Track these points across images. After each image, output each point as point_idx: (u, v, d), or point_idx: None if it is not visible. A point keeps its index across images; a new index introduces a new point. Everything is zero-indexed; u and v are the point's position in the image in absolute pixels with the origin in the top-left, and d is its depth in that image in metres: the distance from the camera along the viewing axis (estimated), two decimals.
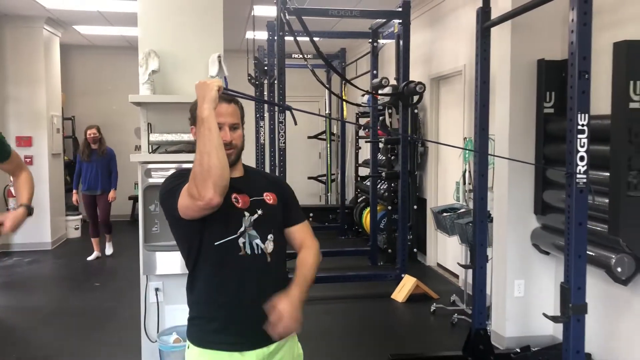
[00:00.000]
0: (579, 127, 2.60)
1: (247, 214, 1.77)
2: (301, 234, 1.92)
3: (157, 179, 3.23)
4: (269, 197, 1.84)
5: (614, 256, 3.16)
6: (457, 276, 5.81)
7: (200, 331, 1.78)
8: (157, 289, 3.40)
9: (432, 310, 4.86)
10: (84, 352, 4.06)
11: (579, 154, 2.61)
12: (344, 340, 4.33)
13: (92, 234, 6.93)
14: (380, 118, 6.86)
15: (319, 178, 10.10)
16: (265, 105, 7.54)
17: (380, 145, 6.87)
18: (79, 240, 8.32)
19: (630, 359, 3.27)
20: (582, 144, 2.61)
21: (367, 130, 7.76)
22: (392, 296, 5.27)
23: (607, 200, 3.18)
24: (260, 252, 1.76)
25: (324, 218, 8.79)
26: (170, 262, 3.31)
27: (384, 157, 6.97)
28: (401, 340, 4.32)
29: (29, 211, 2.89)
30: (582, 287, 2.66)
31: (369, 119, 7.44)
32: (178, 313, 3.34)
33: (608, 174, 3.18)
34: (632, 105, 3.03)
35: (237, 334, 1.74)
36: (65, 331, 4.50)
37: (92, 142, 6.68)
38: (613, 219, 3.13)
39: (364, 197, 8.18)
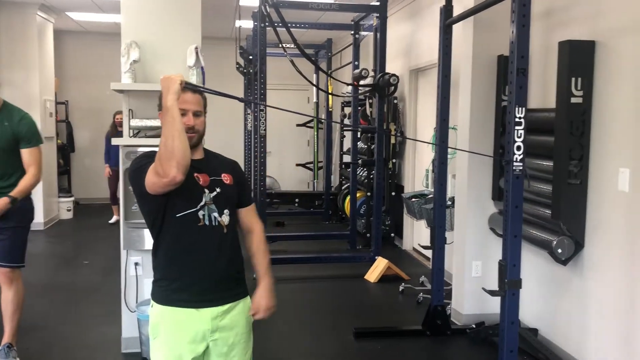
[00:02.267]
0: (517, 120, 2.85)
1: (207, 191, 2.03)
2: (249, 216, 2.22)
3: None
4: (226, 178, 2.11)
5: (555, 238, 3.43)
6: (429, 259, 6.09)
7: (162, 291, 2.05)
8: (136, 263, 3.67)
9: (400, 290, 5.15)
10: (70, 322, 4.35)
11: (516, 144, 2.87)
12: (316, 316, 4.62)
13: (112, 202, 8.19)
14: (362, 107, 7.12)
15: (307, 165, 10.37)
16: (252, 94, 7.76)
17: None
18: (71, 222, 8.58)
19: (571, 333, 3.56)
20: (519, 135, 2.87)
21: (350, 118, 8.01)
22: (365, 277, 5.56)
23: (551, 187, 3.46)
24: (217, 224, 2.03)
25: (310, 204, 9.08)
26: (148, 238, 3.58)
27: (365, 146, 7.24)
28: (369, 317, 4.61)
29: (13, 202, 3.23)
30: (517, 264, 2.93)
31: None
32: None
33: (552, 163, 3.46)
34: (573, 100, 3.29)
35: (196, 293, 2.02)
36: (53, 304, 4.79)
37: (119, 125, 7.36)
38: (555, 204, 3.41)
39: (347, 184, 8.45)
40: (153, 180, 1.90)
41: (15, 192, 3.29)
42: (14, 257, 3.36)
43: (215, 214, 2.03)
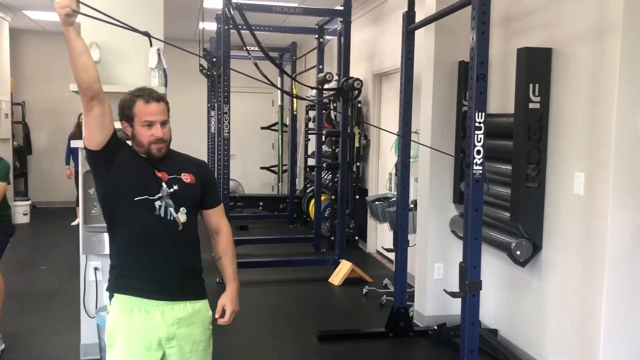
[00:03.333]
0: (477, 124, 2.91)
1: (164, 185, 2.04)
2: (217, 217, 2.23)
3: None
4: (186, 177, 2.10)
5: (514, 241, 3.52)
6: (392, 262, 6.15)
7: (119, 278, 2.04)
8: (96, 268, 3.60)
9: (364, 292, 5.18)
10: (27, 330, 4.22)
11: (476, 148, 2.92)
12: (280, 319, 4.62)
13: (77, 203, 7.73)
14: (327, 111, 7.15)
15: (271, 168, 10.34)
16: (216, 96, 7.70)
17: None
18: (27, 226, 8.34)
19: (530, 334, 3.65)
20: (478, 139, 2.92)
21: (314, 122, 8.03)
22: (329, 280, 5.58)
23: (510, 191, 3.54)
24: (172, 218, 2.03)
25: (274, 207, 9.07)
26: (108, 243, 3.51)
27: (329, 149, 7.27)
28: (332, 320, 4.63)
29: None
30: (477, 266, 2.99)
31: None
32: None
33: (511, 167, 3.54)
34: (531, 105, 3.38)
35: (149, 281, 2.01)
36: (10, 312, 4.63)
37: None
38: (513, 207, 3.50)
39: (312, 187, 8.47)
40: (85, 124, 1.96)
41: None
42: None
43: (172, 209, 2.03)
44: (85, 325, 3.65)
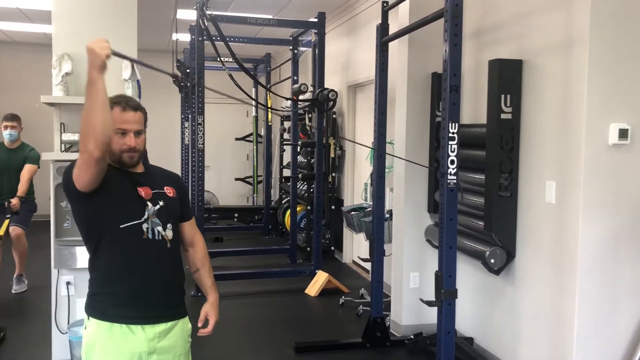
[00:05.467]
0: (450, 135, 2.95)
1: (150, 204, 1.99)
2: (191, 230, 2.21)
3: None
4: (169, 191, 2.08)
5: (488, 249, 3.56)
6: (368, 272, 6.17)
7: (101, 305, 1.98)
8: (68, 283, 3.53)
9: (340, 303, 5.18)
10: None
11: (450, 158, 2.96)
12: (256, 331, 4.58)
13: None
14: (302, 122, 7.17)
15: (246, 179, 10.30)
16: (190, 107, 7.65)
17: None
18: None
19: (505, 341, 3.69)
20: (452, 149, 2.96)
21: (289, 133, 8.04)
22: (306, 291, 5.56)
23: (483, 200, 3.59)
24: (160, 238, 2.00)
25: (249, 218, 9.02)
26: (81, 257, 3.45)
27: (304, 160, 7.28)
28: (309, 331, 4.61)
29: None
30: (453, 274, 3.01)
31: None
32: None
33: (484, 176, 3.59)
34: (503, 116, 3.44)
35: (137, 308, 1.97)
36: None
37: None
38: (487, 216, 3.54)
39: (287, 198, 8.45)
40: (77, 165, 1.83)
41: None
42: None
43: (159, 228, 2.00)
44: (56, 341, 3.57)
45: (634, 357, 2.97)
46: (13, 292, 5.35)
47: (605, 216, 3.00)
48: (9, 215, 5.00)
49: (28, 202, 5.32)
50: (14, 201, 5.05)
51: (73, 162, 1.93)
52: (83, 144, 1.77)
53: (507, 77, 3.44)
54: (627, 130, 2.95)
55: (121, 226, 1.93)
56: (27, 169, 5.22)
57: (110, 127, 1.80)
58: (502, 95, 3.43)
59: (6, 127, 5.24)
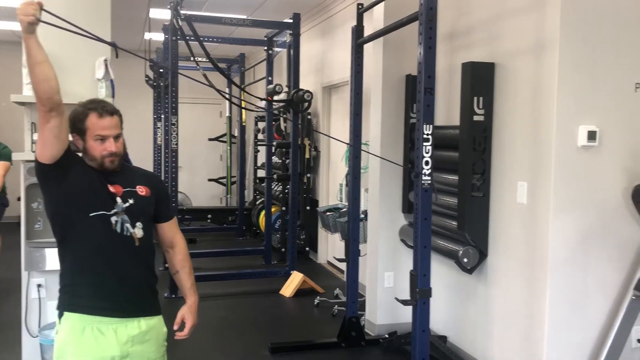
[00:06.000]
0: (425, 136, 2.99)
1: (119, 200, 1.99)
2: (172, 230, 2.21)
3: None
4: (141, 190, 2.07)
5: (461, 248, 3.61)
6: (343, 272, 6.20)
7: (72, 297, 1.97)
8: (39, 285, 3.46)
9: (315, 303, 5.20)
10: None
11: (424, 159, 3.00)
12: (231, 333, 4.56)
13: None
14: (276, 122, 7.17)
15: (220, 180, 10.24)
16: (163, 108, 7.58)
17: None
18: None
19: (477, 339, 3.75)
20: (427, 151, 3.00)
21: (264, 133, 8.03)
22: (281, 292, 5.56)
23: (456, 200, 3.65)
24: (129, 234, 1.99)
25: (223, 220, 8.96)
26: (53, 259, 3.39)
27: (279, 160, 7.28)
28: (285, 331, 4.61)
29: None
30: (427, 274, 3.05)
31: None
32: None
33: (458, 177, 3.64)
34: (476, 117, 3.50)
35: (105, 299, 1.96)
36: None
37: None
38: (460, 216, 3.60)
39: (261, 198, 8.43)
40: (40, 128, 1.85)
41: None
42: None
43: (128, 225, 1.99)
44: (26, 344, 3.49)
45: (601, 353, 3.05)
46: None
47: (574, 216, 3.07)
48: None
49: (1, 197, 5.48)
50: None
51: None
52: (39, 98, 1.82)
53: (479, 79, 3.50)
54: (595, 132, 3.03)
55: (91, 214, 1.93)
56: (0, 165, 5.32)
57: (48, 80, 1.82)
58: (475, 98, 3.49)
59: None
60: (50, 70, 1.83)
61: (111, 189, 1.99)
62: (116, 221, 1.96)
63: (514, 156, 3.36)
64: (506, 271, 3.45)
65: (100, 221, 1.94)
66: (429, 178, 3.01)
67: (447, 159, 3.75)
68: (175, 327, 2.12)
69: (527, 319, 3.25)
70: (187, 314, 2.15)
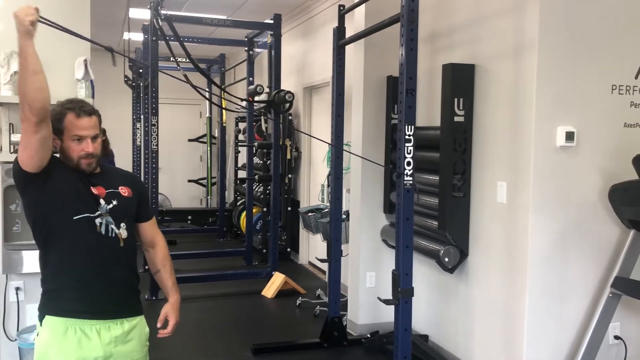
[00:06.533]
0: (406, 137, 3.02)
1: (102, 202, 1.97)
2: (152, 230, 2.21)
3: None
4: (124, 191, 2.06)
5: (442, 248, 3.65)
6: (324, 272, 6.21)
7: (54, 301, 1.95)
8: (17, 288, 3.41)
9: (297, 304, 5.20)
10: None
11: (406, 160, 3.03)
12: (213, 334, 4.54)
13: None
14: (257, 123, 7.15)
15: (200, 181, 10.18)
16: (142, 108, 7.51)
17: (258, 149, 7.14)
18: None
19: (458, 338, 3.79)
20: (408, 151, 3.03)
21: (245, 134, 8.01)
22: (262, 293, 5.56)
23: (437, 200, 3.68)
24: (114, 235, 1.98)
25: (203, 221, 8.91)
26: (32, 261, 3.34)
27: (260, 161, 7.27)
28: (267, 332, 4.61)
29: None
30: (409, 273, 3.07)
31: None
32: None
33: (439, 177, 3.68)
34: (456, 118, 3.54)
35: (91, 302, 1.95)
36: None
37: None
38: (441, 216, 3.63)
39: (242, 199, 8.41)
40: (21, 142, 1.82)
41: None
42: None
43: (113, 226, 1.98)
44: (4, 348, 3.44)
45: (580, 349, 3.11)
46: None
47: (553, 215, 3.13)
48: None
49: None
50: None
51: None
52: (22, 112, 1.76)
53: (460, 81, 3.54)
54: (573, 132, 3.08)
55: (74, 218, 1.91)
56: None
57: (42, 91, 1.78)
58: (456, 99, 3.53)
59: None
60: (45, 80, 1.80)
61: (94, 190, 1.97)
62: (100, 223, 1.95)
63: (494, 156, 3.41)
64: (486, 270, 3.49)
65: (85, 224, 1.93)
66: (411, 178, 3.04)
67: (428, 160, 3.78)
68: (159, 325, 2.13)
69: (507, 317, 3.30)
70: (170, 311, 2.15)
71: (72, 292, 1.94)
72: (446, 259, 3.63)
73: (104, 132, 7.20)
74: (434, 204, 3.72)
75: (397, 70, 3.08)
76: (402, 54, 3.02)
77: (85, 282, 1.95)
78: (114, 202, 1.99)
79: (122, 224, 2.01)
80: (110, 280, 1.98)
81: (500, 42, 3.36)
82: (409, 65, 3.00)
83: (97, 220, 1.95)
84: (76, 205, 1.92)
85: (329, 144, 4.21)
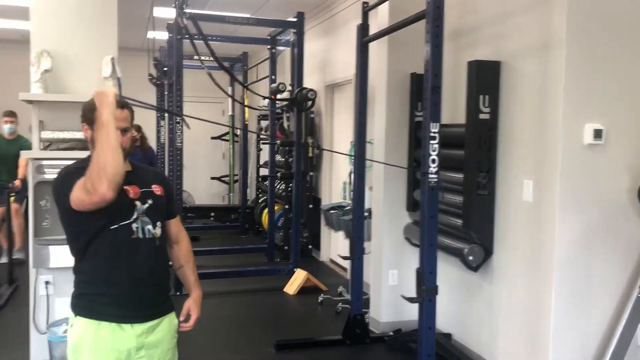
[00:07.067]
0: (431, 134, 3.01)
1: (138, 203, 1.99)
2: (177, 226, 2.23)
3: (49, 175, 3.34)
4: (157, 189, 2.08)
5: (466, 246, 3.63)
6: (346, 270, 6.21)
7: (90, 304, 1.97)
8: (47, 282, 3.48)
9: (319, 301, 5.21)
10: None
11: (431, 157, 3.02)
12: (235, 330, 4.58)
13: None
14: (279, 121, 7.18)
15: (222, 178, 10.25)
16: (166, 106, 7.59)
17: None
18: None
19: (482, 336, 3.77)
20: (433, 149, 3.02)
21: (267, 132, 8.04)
22: (284, 289, 5.58)
23: (461, 198, 3.66)
24: (151, 236, 2.00)
25: (225, 218, 8.98)
26: (60, 256, 3.40)
27: (282, 159, 7.29)
28: (289, 329, 4.63)
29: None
30: (434, 271, 3.07)
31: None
32: (68, 305, 3.43)
33: (463, 175, 3.66)
34: (481, 116, 3.52)
35: (127, 308, 1.97)
36: None
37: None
38: (465, 214, 3.61)
39: (264, 197, 8.45)
40: (81, 198, 1.83)
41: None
42: None
43: (149, 227, 2.00)
44: (35, 341, 3.52)
45: (607, 350, 3.06)
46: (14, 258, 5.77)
47: (580, 214, 3.09)
48: (13, 194, 5.77)
49: (24, 183, 5.71)
50: (17, 182, 5.91)
51: (67, 179, 1.90)
52: (93, 185, 1.77)
53: (485, 78, 3.51)
54: (601, 130, 3.04)
55: (111, 227, 1.93)
56: (23, 159, 5.69)
57: (121, 167, 1.81)
58: (481, 96, 3.50)
59: (6, 122, 6.25)
60: (121, 153, 1.84)
61: (129, 191, 1.96)
62: (137, 227, 1.96)
63: (520, 154, 3.37)
64: (512, 269, 3.46)
65: (122, 232, 1.94)
66: (436, 176, 3.03)
67: (452, 157, 3.75)
68: (182, 319, 2.16)
69: (533, 316, 3.27)
70: (192, 306, 2.18)
71: (105, 298, 1.95)
72: (470, 257, 3.60)
73: (139, 128, 7.37)
74: (458, 202, 3.70)
75: (421, 67, 3.07)
76: (427, 51, 3.01)
77: (120, 290, 1.96)
78: (150, 202, 2.01)
79: (158, 223, 2.03)
80: (147, 284, 2.00)
81: (527, 38, 3.32)
82: (434, 62, 2.99)
83: (134, 226, 1.96)
84: (113, 214, 1.92)
85: (348, 154, 4.21)
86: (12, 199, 5.80)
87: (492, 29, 3.66)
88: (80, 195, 1.83)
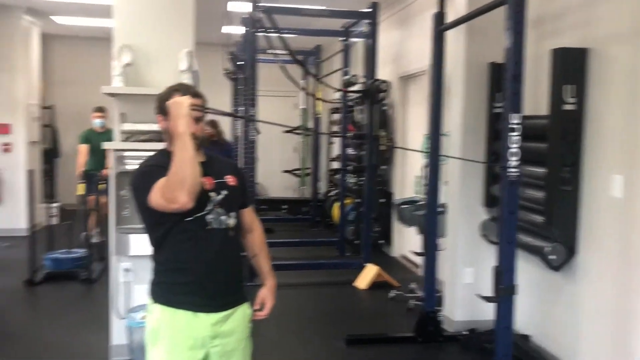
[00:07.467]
0: (511, 126, 2.86)
1: (213, 194, 2.00)
2: (250, 216, 2.24)
3: (130, 165, 3.47)
4: (230, 179, 2.09)
5: (547, 245, 3.45)
6: (418, 266, 6.09)
7: (166, 293, 2.01)
8: (127, 269, 3.61)
9: (391, 296, 5.13)
10: (54, 330, 4.26)
11: (511, 150, 2.88)
12: (306, 322, 4.60)
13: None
14: (351, 114, 7.13)
15: (294, 171, 10.34)
16: (242, 100, 7.71)
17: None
18: (55, 228, 8.42)
19: (564, 339, 3.57)
20: (514, 141, 2.88)
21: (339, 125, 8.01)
22: (355, 284, 5.54)
23: (542, 194, 3.48)
24: (225, 226, 2.01)
25: (297, 210, 9.06)
26: (140, 244, 3.52)
27: (354, 152, 7.24)
28: (359, 323, 4.59)
29: None
30: (512, 270, 2.93)
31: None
32: (146, 292, 3.55)
33: (545, 169, 3.47)
34: (566, 107, 3.32)
35: (203, 296, 1.99)
36: (36, 312, 4.71)
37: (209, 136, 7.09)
38: (547, 210, 3.43)
39: (335, 190, 8.44)
40: (161, 204, 1.87)
41: None
42: None
43: (224, 217, 2.01)
44: (114, 326, 3.67)
45: None
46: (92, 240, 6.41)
47: None
48: (103, 182, 6.13)
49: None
50: (104, 171, 6.10)
51: (147, 174, 1.94)
52: (172, 195, 1.81)
53: (570, 66, 3.31)
54: None
55: (186, 219, 1.94)
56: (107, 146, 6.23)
57: (199, 177, 1.85)
58: (565, 86, 3.30)
59: (97, 117, 6.82)
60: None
61: (204, 182, 1.97)
62: (212, 219, 1.98)
63: (609, 148, 3.16)
64: (598, 269, 3.25)
65: (197, 223, 1.96)
66: (517, 170, 2.88)
67: (533, 151, 3.56)
68: (257, 307, 2.17)
69: (620, 319, 3.06)
70: (267, 295, 2.19)
71: (181, 287, 1.99)
72: (552, 256, 3.42)
73: (214, 124, 7.59)
74: (539, 198, 3.52)
75: (500, 56, 2.93)
76: (508, 38, 2.86)
77: (195, 279, 1.98)
78: (224, 192, 2.02)
79: (232, 213, 2.04)
80: (222, 273, 2.01)
81: (617, 24, 3.10)
82: (515, 49, 2.85)
83: (208, 217, 1.97)
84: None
85: (422, 151, 4.10)
86: (101, 186, 6.24)
87: (578, 15, 3.44)
88: (159, 201, 1.87)
